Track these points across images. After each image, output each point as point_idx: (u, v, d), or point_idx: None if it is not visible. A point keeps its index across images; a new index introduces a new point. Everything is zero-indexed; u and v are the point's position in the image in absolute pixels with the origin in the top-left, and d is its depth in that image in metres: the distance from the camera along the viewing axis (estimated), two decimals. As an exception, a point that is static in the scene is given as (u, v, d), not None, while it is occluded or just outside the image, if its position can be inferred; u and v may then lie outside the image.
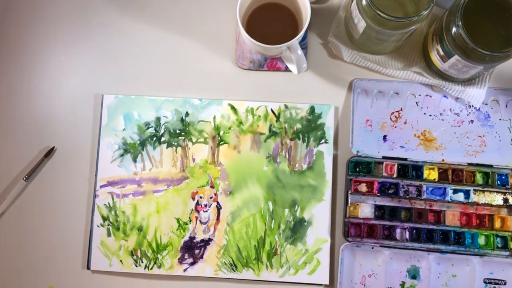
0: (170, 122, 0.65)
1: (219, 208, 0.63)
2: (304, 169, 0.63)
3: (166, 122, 0.65)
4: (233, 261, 0.62)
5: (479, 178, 0.62)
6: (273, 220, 0.63)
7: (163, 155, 0.64)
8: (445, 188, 0.62)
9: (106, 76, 0.66)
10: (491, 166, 0.62)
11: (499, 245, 0.62)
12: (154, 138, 0.65)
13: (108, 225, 0.63)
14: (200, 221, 0.63)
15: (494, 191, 0.62)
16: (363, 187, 0.63)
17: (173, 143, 0.65)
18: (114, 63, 0.67)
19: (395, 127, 0.64)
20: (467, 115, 0.64)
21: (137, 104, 0.65)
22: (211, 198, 0.63)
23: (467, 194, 0.62)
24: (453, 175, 0.62)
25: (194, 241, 0.63)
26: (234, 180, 0.64)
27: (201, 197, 0.63)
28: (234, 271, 0.62)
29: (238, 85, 0.66)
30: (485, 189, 0.62)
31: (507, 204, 0.62)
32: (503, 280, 0.61)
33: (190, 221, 0.63)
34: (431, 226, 0.62)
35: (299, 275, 0.62)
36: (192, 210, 0.63)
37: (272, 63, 0.65)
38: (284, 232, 0.63)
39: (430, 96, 0.64)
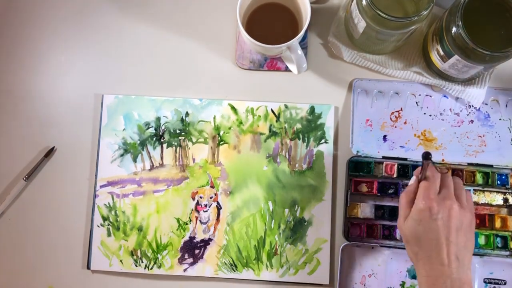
0: (170, 122, 0.65)
1: (219, 208, 0.63)
2: (304, 169, 0.63)
3: (166, 122, 0.65)
4: (233, 261, 0.62)
5: (479, 178, 0.62)
6: (273, 220, 0.63)
7: (163, 155, 0.64)
8: (445, 188, 0.62)
9: (106, 76, 0.66)
10: (491, 166, 0.62)
11: (499, 245, 0.62)
12: (154, 138, 0.65)
13: (108, 225, 0.63)
14: (200, 221, 0.63)
15: (494, 191, 0.62)
16: (363, 187, 0.63)
17: (173, 143, 0.65)
18: (114, 63, 0.67)
19: (395, 127, 0.64)
20: (467, 115, 0.64)
21: (137, 104, 0.65)
22: (211, 198, 0.63)
23: (467, 194, 0.62)
24: (453, 175, 0.62)
25: (194, 241, 0.63)
26: (234, 180, 0.64)
27: (201, 197, 0.63)
28: (234, 271, 0.62)
29: (238, 85, 0.66)
30: (485, 189, 0.62)
31: (507, 204, 0.62)
32: (503, 280, 0.61)
33: (190, 221, 0.63)
34: (431, 226, 0.62)
35: (299, 275, 0.62)
36: (192, 210, 0.63)
37: (272, 63, 0.65)
38: (284, 232, 0.63)
39: (430, 96, 0.64)
